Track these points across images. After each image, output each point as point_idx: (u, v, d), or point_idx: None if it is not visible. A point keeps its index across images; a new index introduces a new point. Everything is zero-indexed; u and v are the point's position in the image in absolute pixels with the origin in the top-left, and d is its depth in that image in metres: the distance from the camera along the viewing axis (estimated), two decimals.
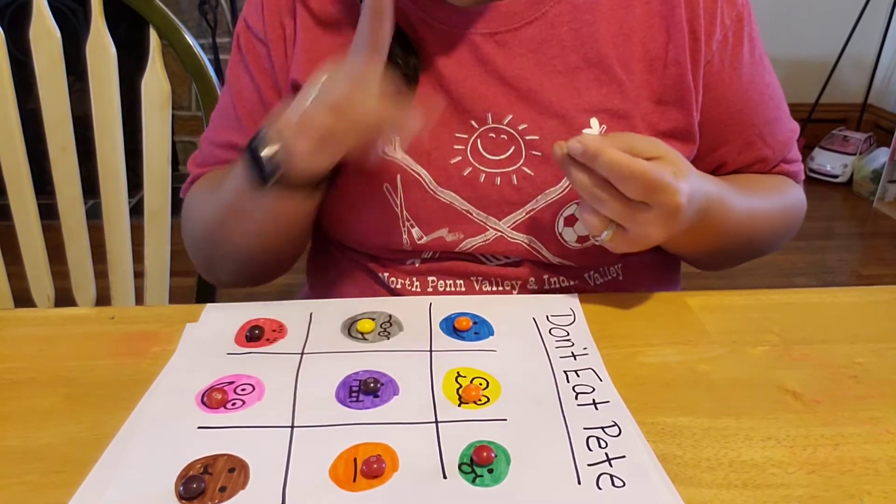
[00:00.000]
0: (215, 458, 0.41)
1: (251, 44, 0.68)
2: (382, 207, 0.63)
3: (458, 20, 0.62)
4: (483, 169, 0.62)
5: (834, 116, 3.21)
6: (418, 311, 0.58)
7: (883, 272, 2.31)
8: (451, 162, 0.62)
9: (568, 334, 0.55)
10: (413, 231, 0.64)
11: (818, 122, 3.12)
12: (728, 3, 0.64)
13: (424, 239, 0.64)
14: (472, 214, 0.63)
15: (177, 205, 0.80)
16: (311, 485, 0.39)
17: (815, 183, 3.01)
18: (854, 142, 3.01)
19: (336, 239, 0.70)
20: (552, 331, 0.55)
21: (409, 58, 0.62)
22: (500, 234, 0.63)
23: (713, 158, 0.69)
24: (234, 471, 0.40)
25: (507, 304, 0.59)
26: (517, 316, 0.57)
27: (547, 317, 0.57)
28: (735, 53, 0.65)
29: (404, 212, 0.63)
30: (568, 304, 0.59)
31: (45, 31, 0.85)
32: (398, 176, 0.62)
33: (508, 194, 0.62)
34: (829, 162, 2.99)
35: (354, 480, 0.39)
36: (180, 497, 0.38)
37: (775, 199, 0.69)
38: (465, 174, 0.62)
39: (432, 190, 0.63)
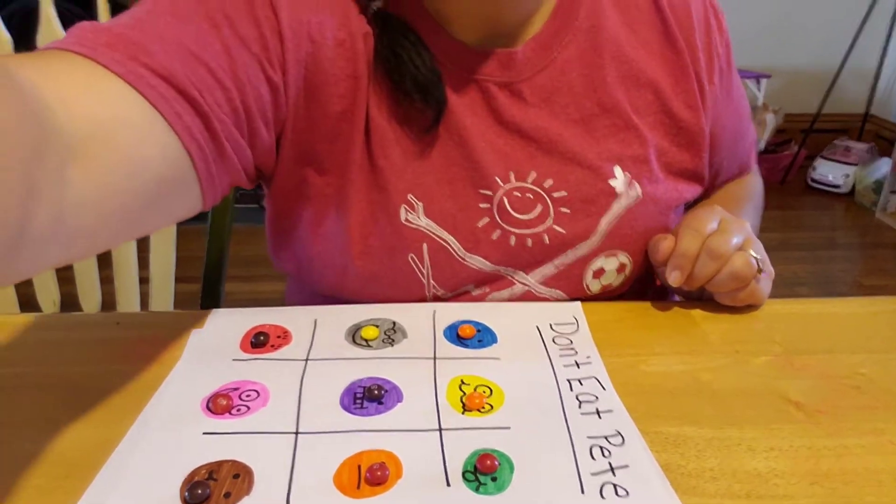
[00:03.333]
0: (220, 463, 0.41)
1: (251, 21, 0.51)
2: (407, 279, 0.60)
3: (471, 63, 0.59)
4: (513, 230, 0.60)
5: (835, 126, 3.22)
6: (422, 318, 0.58)
7: (885, 283, 2.31)
8: (479, 225, 0.60)
9: (571, 343, 0.55)
10: (437, 292, 0.62)
11: (820, 132, 3.13)
12: (719, 32, 0.66)
13: (449, 295, 0.62)
14: (500, 272, 0.62)
15: None
16: (314, 491, 0.39)
17: (817, 193, 3.01)
18: (856, 152, 3.01)
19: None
20: (556, 339, 0.55)
21: (436, 72, 0.57)
22: (527, 288, 0.63)
23: (711, 171, 0.71)
24: (238, 476, 0.40)
25: (511, 313, 0.60)
26: (521, 324, 0.57)
27: (550, 325, 0.57)
28: (727, 79, 0.67)
29: (431, 280, 0.60)
30: (571, 311, 0.60)
31: (52, 38, 0.86)
32: (424, 245, 0.59)
33: (539, 252, 0.61)
34: (831, 172, 3.00)
35: (358, 487, 0.39)
36: (185, 502, 0.38)
37: (752, 207, 0.75)
38: (493, 237, 0.60)
39: (460, 256, 0.60)
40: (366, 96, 0.57)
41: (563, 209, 0.60)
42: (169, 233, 0.91)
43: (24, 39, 0.92)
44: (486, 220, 0.60)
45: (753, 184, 0.79)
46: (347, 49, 0.56)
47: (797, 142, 3.14)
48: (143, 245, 0.92)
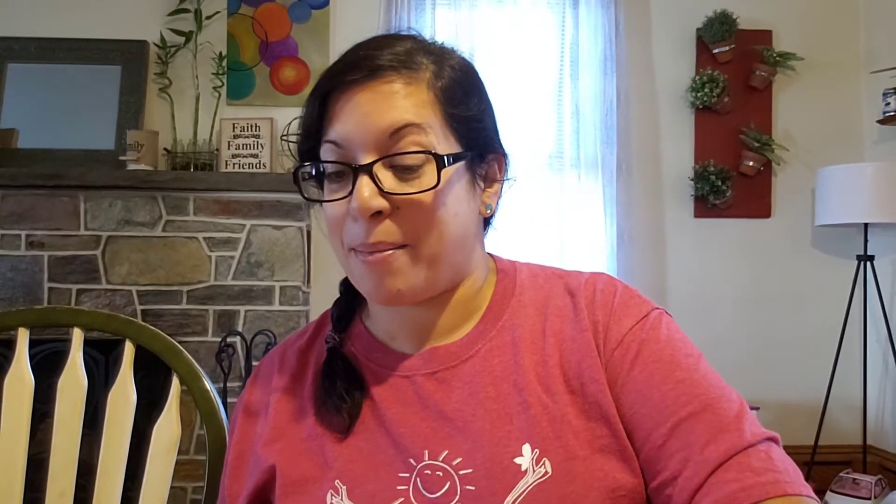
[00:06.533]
0: None
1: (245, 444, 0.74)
2: None
3: (402, 365, 0.70)
4: None
5: (837, 458, 3.17)
6: None
7: None
8: None
9: None
10: None
11: (823, 465, 3.07)
12: (641, 325, 0.66)
13: None
14: None
15: None
16: None
17: None
18: (865, 485, 2.92)
19: None
20: None
21: (353, 393, 0.69)
22: None
23: (653, 457, 0.62)
24: None
25: None
26: None
27: None
28: (644, 366, 0.64)
29: None
30: None
31: (74, 383, 0.91)
32: None
33: None
34: None
35: None
36: None
37: None
38: None
39: None
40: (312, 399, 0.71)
41: (469, 487, 0.62)
42: None
43: (46, 381, 0.97)
44: (401, 499, 0.64)
45: None
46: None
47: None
48: None
